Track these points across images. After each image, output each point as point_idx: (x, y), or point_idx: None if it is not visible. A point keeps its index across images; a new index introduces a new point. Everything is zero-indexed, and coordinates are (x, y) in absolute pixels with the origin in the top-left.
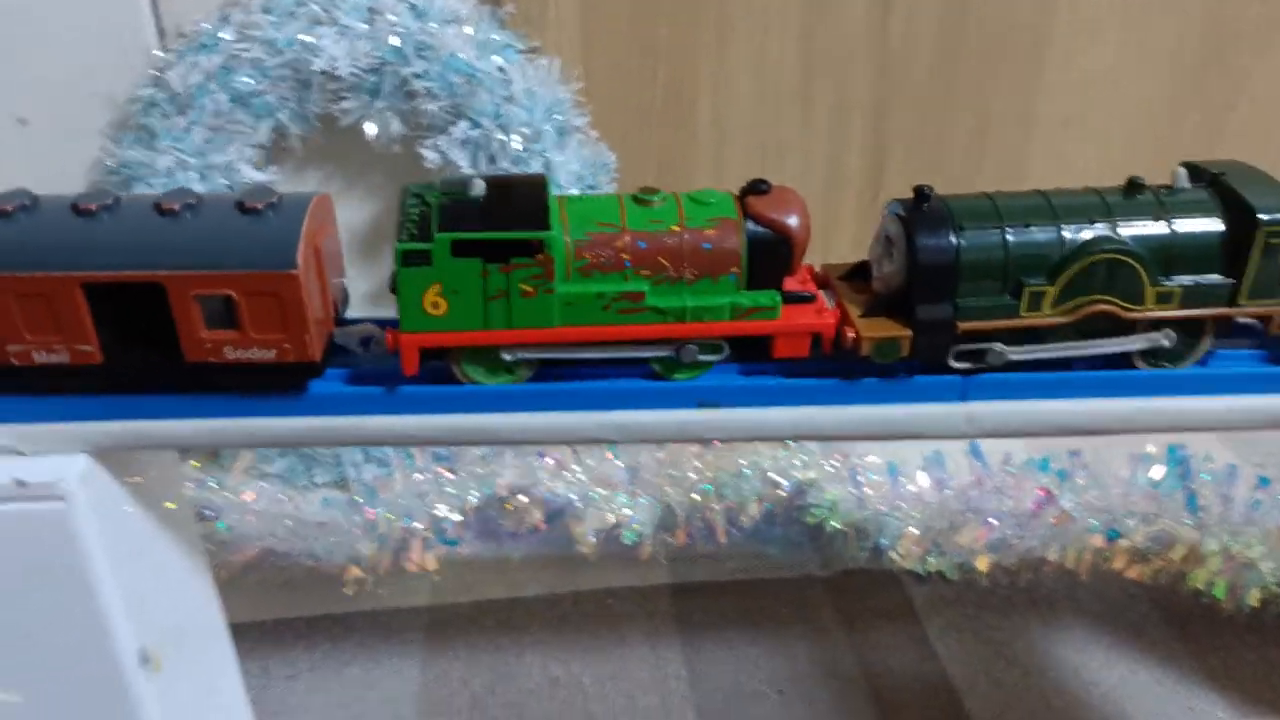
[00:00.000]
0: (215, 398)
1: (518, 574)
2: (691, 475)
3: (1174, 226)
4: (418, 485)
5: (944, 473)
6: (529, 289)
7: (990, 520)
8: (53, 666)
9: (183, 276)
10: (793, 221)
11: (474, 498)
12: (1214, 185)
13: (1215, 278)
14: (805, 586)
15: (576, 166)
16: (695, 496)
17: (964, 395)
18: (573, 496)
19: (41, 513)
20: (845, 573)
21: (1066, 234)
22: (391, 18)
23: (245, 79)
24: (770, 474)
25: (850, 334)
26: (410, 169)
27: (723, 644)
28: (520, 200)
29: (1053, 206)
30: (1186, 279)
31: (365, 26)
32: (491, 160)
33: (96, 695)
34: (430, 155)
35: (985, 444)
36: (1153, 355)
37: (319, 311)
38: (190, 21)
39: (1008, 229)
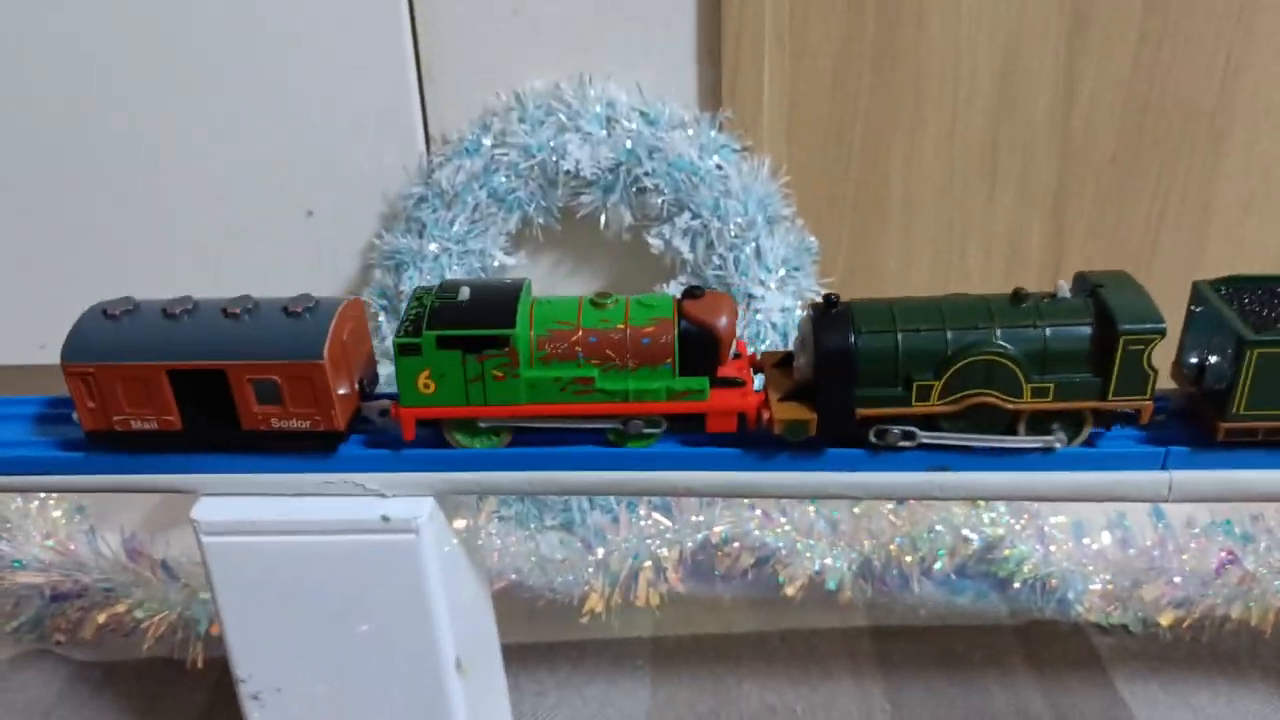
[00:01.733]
0: (530, 455)
1: (729, 612)
2: (886, 528)
3: (1047, 332)
4: (642, 530)
5: (1127, 533)
6: (500, 374)
7: (1174, 579)
8: (390, 666)
9: (239, 365)
10: (720, 322)
11: (690, 543)
12: (1093, 295)
13: (1085, 376)
14: (995, 634)
15: (784, 251)
16: (891, 548)
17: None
18: (779, 545)
19: (398, 543)
20: (1033, 623)
21: (950, 336)
22: (626, 124)
23: (502, 178)
24: (962, 530)
25: (766, 415)
26: (635, 254)
27: (921, 683)
28: (496, 303)
29: (942, 312)
30: (1059, 377)
31: (604, 133)
32: (710, 246)
33: (421, 692)
34: (655, 242)
35: (1169, 507)
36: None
37: (345, 390)
38: (454, 129)
39: (900, 331)
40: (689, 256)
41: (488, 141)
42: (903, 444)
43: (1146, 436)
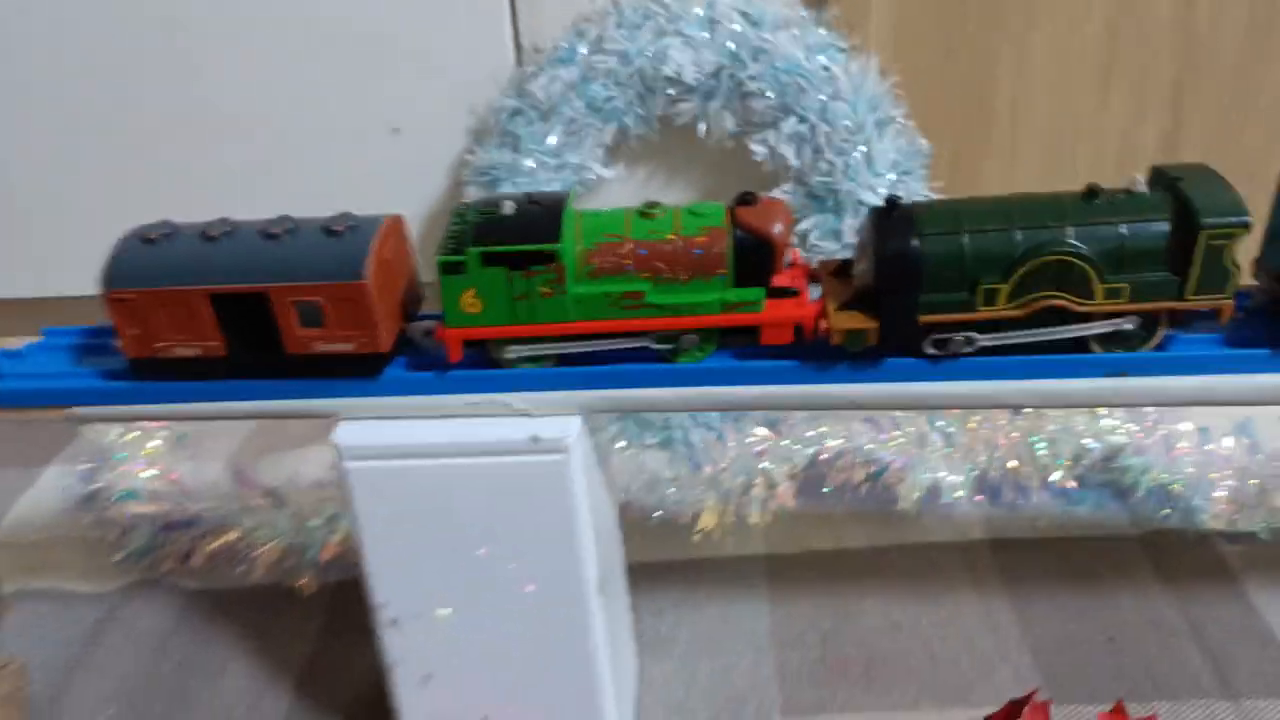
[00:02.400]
0: (667, 371)
1: (842, 528)
2: (1003, 439)
3: (1122, 229)
4: (750, 446)
5: (1254, 438)
6: (547, 290)
7: None
8: (537, 585)
9: (282, 288)
10: (775, 228)
11: (800, 459)
12: (1170, 189)
13: (1162, 274)
14: (1118, 545)
15: (894, 155)
16: (1009, 460)
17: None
18: (892, 458)
19: (548, 463)
20: (1156, 532)
21: (1019, 237)
22: (729, 26)
23: (600, 87)
24: (1081, 438)
25: (824, 325)
26: (735, 162)
27: (1046, 595)
28: (541, 217)
29: (1010, 212)
30: (1135, 276)
31: (706, 35)
32: (817, 151)
33: (563, 615)
34: (759, 149)
35: None
36: (1111, 342)
37: (388, 311)
38: (545, 38)
39: (965, 233)
40: (795, 163)
41: (583, 49)
42: (965, 350)
43: (1224, 339)
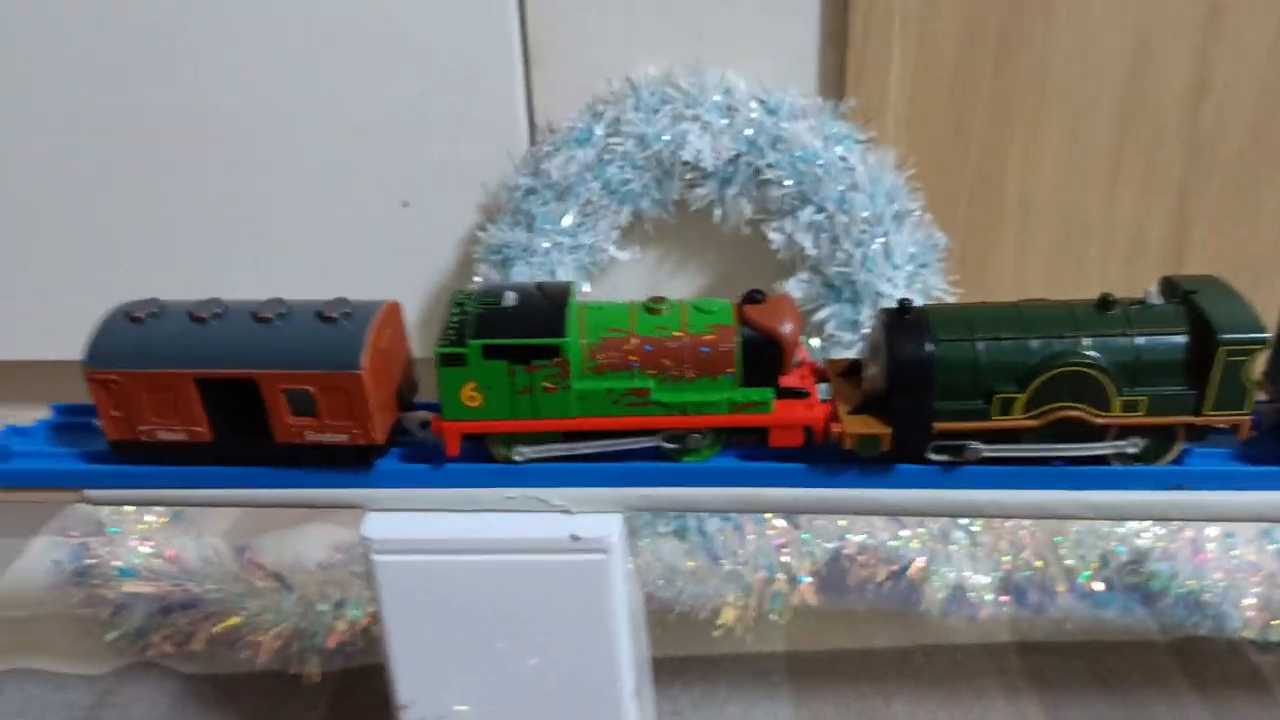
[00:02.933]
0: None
1: (865, 626)
2: (1027, 540)
3: (1139, 341)
4: (770, 540)
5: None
6: (550, 385)
7: None
8: (564, 692)
9: (272, 374)
10: (785, 328)
11: (822, 553)
12: (1185, 302)
13: (1180, 388)
14: (1149, 651)
15: (912, 248)
16: (1034, 560)
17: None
18: (917, 557)
19: (588, 563)
20: (1186, 639)
21: (1034, 345)
22: (747, 114)
23: (616, 169)
24: (1108, 541)
25: (836, 429)
26: (749, 248)
27: (1079, 702)
28: (544, 309)
29: (1024, 319)
30: (1152, 390)
31: (725, 122)
32: (834, 241)
33: (599, 715)
34: (776, 237)
35: None
36: (1128, 456)
37: (383, 401)
38: (560, 117)
39: (979, 340)
40: (812, 252)
41: (600, 130)
42: (983, 459)
43: (1239, 454)
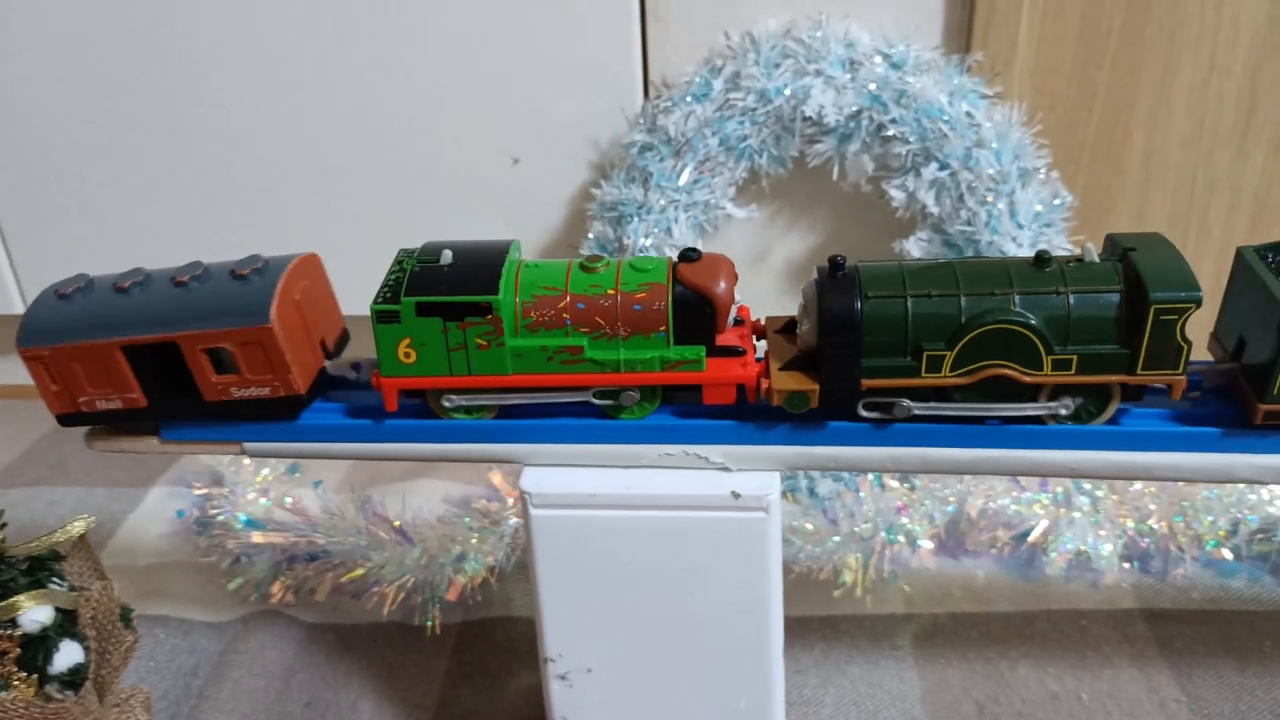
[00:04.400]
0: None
1: (984, 591)
2: (1153, 505)
3: (1071, 299)
4: (889, 501)
5: None
6: (483, 342)
7: None
8: (713, 648)
9: (191, 335)
10: (718, 286)
11: (941, 516)
12: (1122, 259)
13: (1112, 348)
14: (1279, 621)
15: (1038, 207)
16: (1158, 527)
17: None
18: (1037, 521)
19: (747, 520)
20: None
21: (965, 303)
22: (870, 68)
23: (735, 125)
24: (1234, 508)
25: (765, 385)
26: (865, 206)
27: (1212, 673)
28: (479, 267)
29: (957, 277)
30: (1083, 349)
31: (848, 77)
32: (960, 199)
33: (743, 676)
34: (897, 194)
35: None
36: (1061, 416)
37: (304, 353)
38: (675, 73)
39: (909, 296)
40: (934, 210)
41: (719, 85)
42: (906, 417)
43: (1176, 414)
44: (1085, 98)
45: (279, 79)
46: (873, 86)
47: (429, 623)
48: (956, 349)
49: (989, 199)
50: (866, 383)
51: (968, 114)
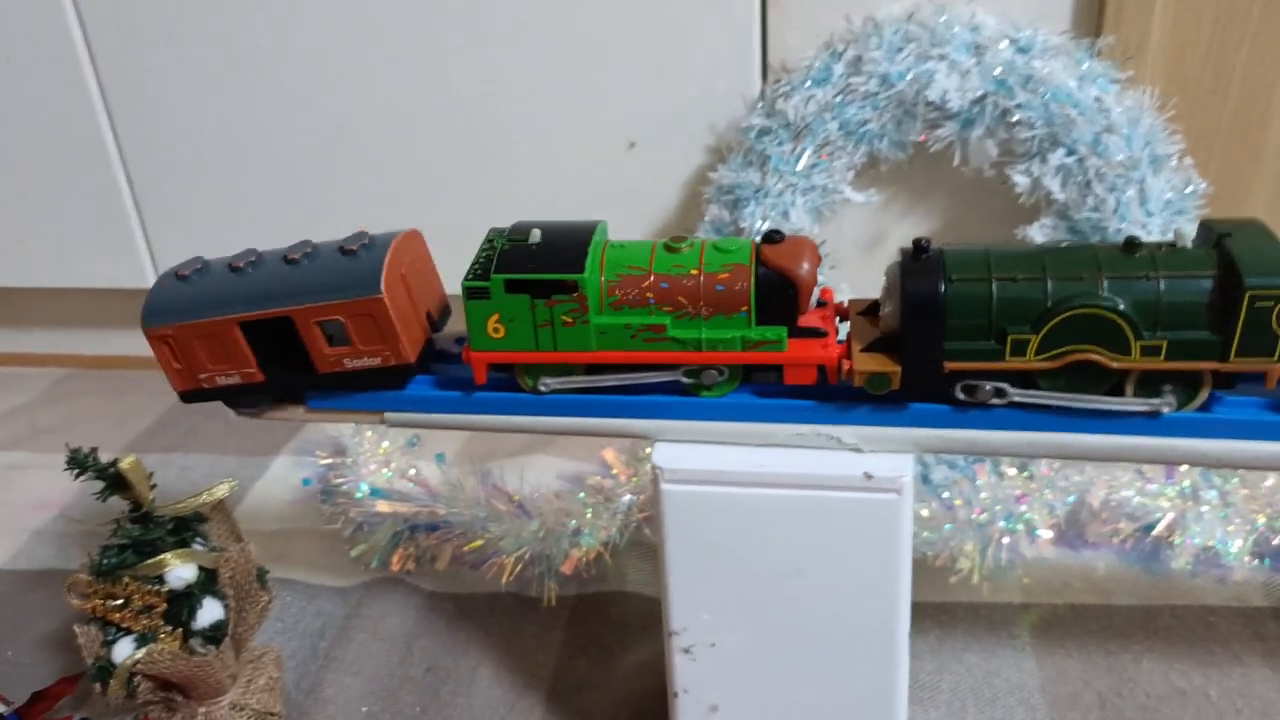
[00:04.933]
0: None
1: (1105, 583)
2: None
3: (1162, 285)
4: (1006, 488)
5: None
6: (569, 319)
7: None
8: (839, 628)
9: (304, 309)
10: (800, 268)
11: (1062, 506)
12: (1218, 245)
13: (1204, 334)
14: None
15: (1169, 194)
16: None
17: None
18: (1163, 513)
19: (879, 502)
20: None
21: (1051, 287)
22: (996, 52)
23: (856, 109)
24: None
25: (847, 366)
26: (986, 192)
27: None
28: (566, 247)
29: (1044, 261)
30: (1173, 334)
31: (973, 61)
32: (1085, 186)
33: (867, 658)
34: (1021, 180)
35: None
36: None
37: (412, 324)
38: (794, 57)
39: (994, 280)
40: (1060, 197)
41: (839, 69)
42: (994, 401)
43: (1272, 403)
44: (1220, 82)
45: (395, 65)
46: (998, 71)
47: (545, 595)
48: (1042, 333)
49: (1118, 185)
50: (949, 365)
51: (1097, 99)
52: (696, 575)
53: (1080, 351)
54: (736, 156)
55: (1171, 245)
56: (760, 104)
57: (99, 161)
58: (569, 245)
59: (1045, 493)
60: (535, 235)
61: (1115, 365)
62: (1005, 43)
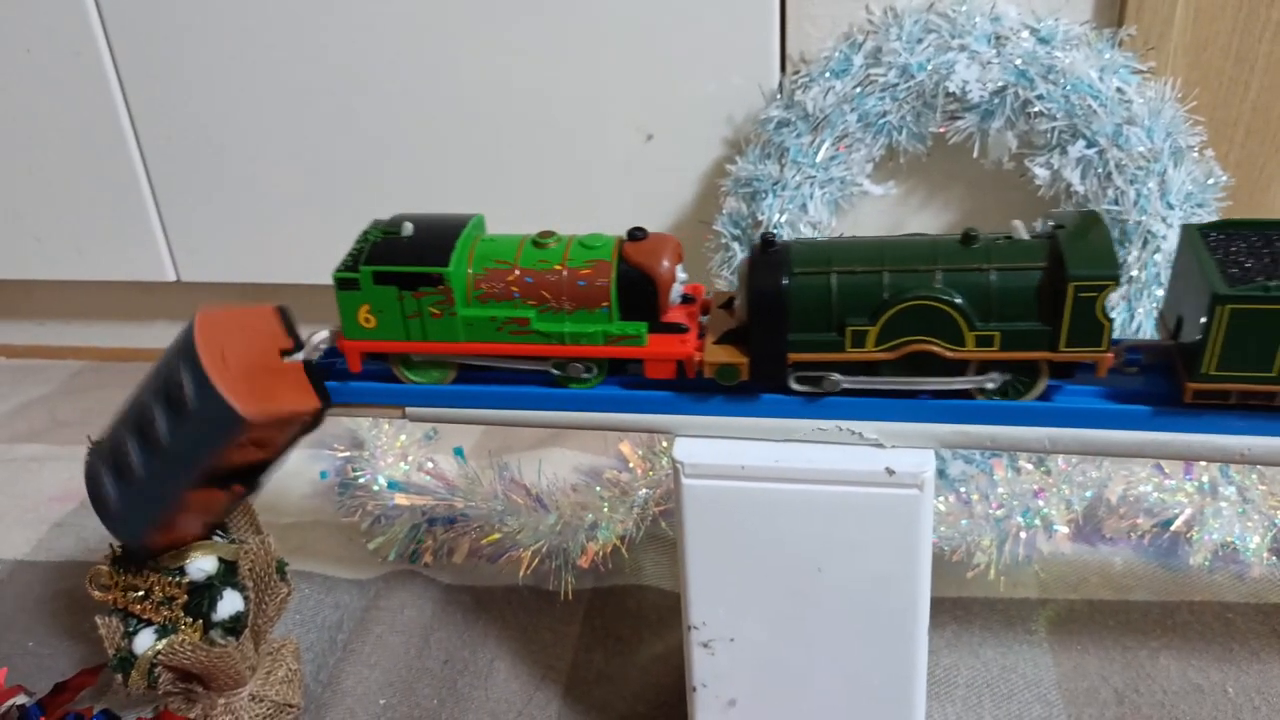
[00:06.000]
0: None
1: (1122, 578)
2: None
3: (994, 276)
4: (1023, 483)
5: None
6: (436, 311)
7: None
8: (859, 623)
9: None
10: (660, 265)
11: (1079, 502)
12: (1050, 238)
13: (1034, 325)
14: None
15: (1190, 187)
16: None
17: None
18: (1180, 510)
19: (900, 498)
20: None
21: (887, 279)
22: (1017, 43)
23: (875, 101)
24: None
25: (699, 358)
26: (1006, 184)
27: None
28: (435, 240)
29: (883, 253)
30: (1005, 325)
31: (993, 52)
32: (1108, 178)
33: (887, 653)
34: (1041, 172)
35: None
36: (994, 390)
37: (274, 379)
38: (812, 49)
39: (833, 273)
40: (1080, 189)
41: (859, 60)
42: (834, 390)
43: (1109, 392)
44: (1242, 71)
45: (413, 58)
46: (1019, 62)
47: (562, 588)
48: (879, 324)
49: (1139, 178)
50: (794, 356)
51: (1118, 90)
52: (716, 570)
53: (917, 342)
54: (754, 149)
55: (1008, 237)
56: (779, 96)
57: (117, 154)
58: (438, 239)
59: (1063, 488)
60: (408, 228)
61: (950, 355)
62: (1026, 33)
